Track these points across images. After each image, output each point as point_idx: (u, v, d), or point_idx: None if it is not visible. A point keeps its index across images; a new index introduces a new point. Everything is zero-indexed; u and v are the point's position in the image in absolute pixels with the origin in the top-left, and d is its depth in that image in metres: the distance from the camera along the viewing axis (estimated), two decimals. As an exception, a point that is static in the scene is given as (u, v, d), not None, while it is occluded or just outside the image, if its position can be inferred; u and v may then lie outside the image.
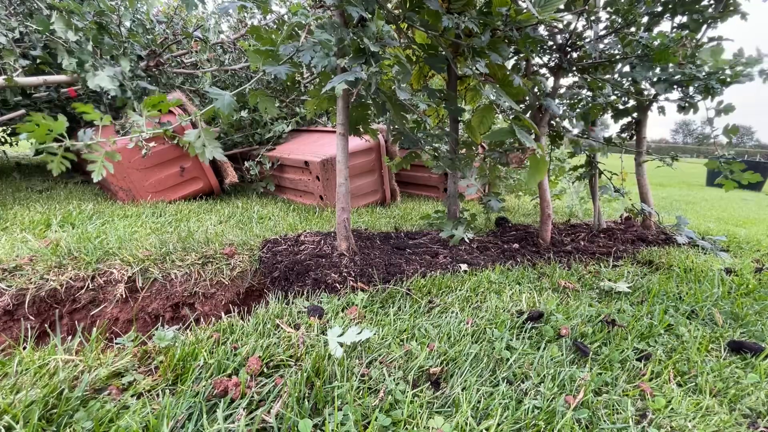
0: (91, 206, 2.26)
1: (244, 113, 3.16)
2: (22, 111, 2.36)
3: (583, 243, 2.39)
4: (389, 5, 1.84)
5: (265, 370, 0.87)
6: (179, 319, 1.62)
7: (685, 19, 2.15)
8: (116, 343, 0.94)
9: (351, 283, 1.40)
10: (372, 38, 1.28)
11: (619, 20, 2.02)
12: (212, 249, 1.72)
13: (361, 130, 1.82)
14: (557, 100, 2.19)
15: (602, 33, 2.05)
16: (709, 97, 2.24)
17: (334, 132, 2.61)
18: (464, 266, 1.60)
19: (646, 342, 1.15)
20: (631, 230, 2.73)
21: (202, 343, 0.95)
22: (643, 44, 1.93)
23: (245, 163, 3.11)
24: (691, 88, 2.30)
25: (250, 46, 2.72)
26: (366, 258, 1.60)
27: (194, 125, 2.72)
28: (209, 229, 2.01)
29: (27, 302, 1.35)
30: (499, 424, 0.77)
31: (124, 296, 1.49)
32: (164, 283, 1.55)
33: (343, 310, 1.20)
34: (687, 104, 2.38)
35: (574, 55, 2.05)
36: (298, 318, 1.11)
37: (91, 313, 1.45)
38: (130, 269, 1.51)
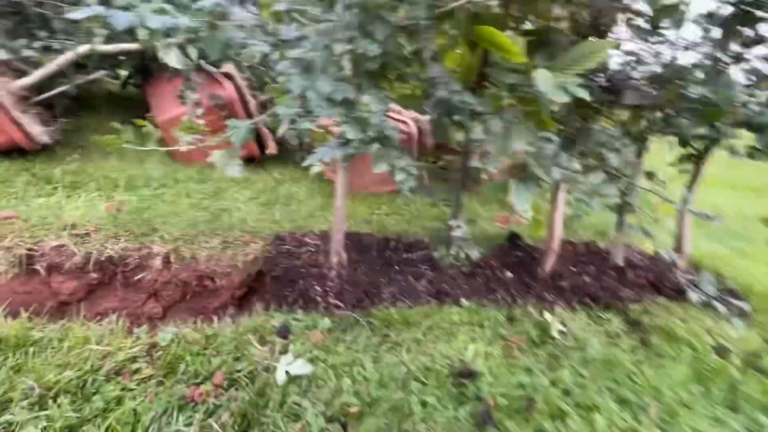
0: (150, 172, 2.65)
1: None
2: (105, 71, 2.73)
3: (586, 279, 2.38)
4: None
5: (226, 384, 1.18)
6: (202, 287, 2.02)
7: None
8: (135, 334, 1.30)
9: (329, 299, 1.65)
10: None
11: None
12: (233, 235, 2.05)
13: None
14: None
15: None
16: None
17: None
18: (435, 301, 1.77)
19: (557, 421, 1.29)
20: (652, 270, 2.62)
21: (190, 345, 1.27)
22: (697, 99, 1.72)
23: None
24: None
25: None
26: (352, 274, 1.82)
27: (242, 96, 2.95)
28: (238, 209, 2.33)
29: (92, 261, 1.79)
30: (376, 473, 1.02)
31: (160, 267, 1.89)
32: (191, 261, 1.93)
33: (309, 329, 1.47)
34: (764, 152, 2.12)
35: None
36: (268, 336, 1.40)
37: (137, 277, 1.87)
38: (166, 246, 1.89)
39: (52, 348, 1.19)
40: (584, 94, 1.29)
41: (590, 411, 1.35)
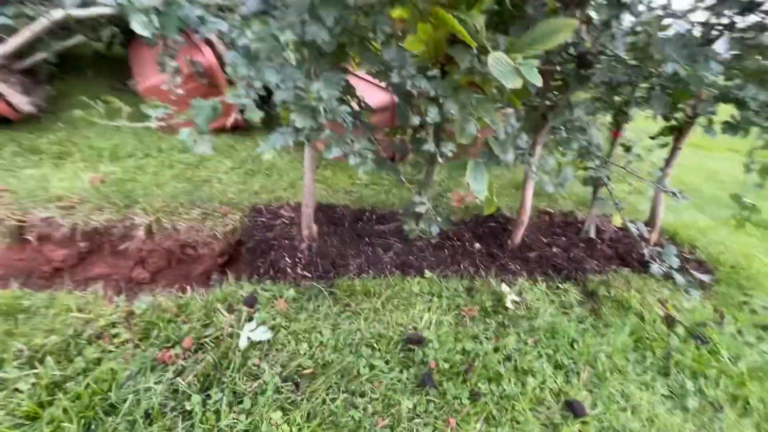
0: (134, 142, 2.70)
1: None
2: (81, 37, 2.70)
3: (554, 250, 2.47)
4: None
5: (194, 348, 1.33)
6: (185, 255, 2.15)
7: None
8: (115, 302, 1.44)
9: (298, 270, 1.78)
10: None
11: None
12: (212, 207, 2.15)
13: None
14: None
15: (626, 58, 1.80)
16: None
17: (364, 80, 2.65)
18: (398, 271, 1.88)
19: (492, 383, 1.44)
20: (622, 242, 2.70)
21: (164, 313, 1.42)
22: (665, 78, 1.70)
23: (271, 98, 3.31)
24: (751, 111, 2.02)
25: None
26: (322, 246, 1.93)
27: (222, 63, 2.91)
28: (220, 179, 2.41)
29: (78, 232, 1.92)
30: (320, 423, 1.19)
31: (144, 237, 2.01)
32: (173, 231, 2.04)
33: (275, 299, 1.60)
34: (739, 126, 2.11)
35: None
36: (236, 305, 1.53)
37: (123, 246, 2.00)
38: (148, 218, 2.00)
39: (40, 315, 1.34)
40: (537, 81, 1.29)
41: (525, 374, 1.50)
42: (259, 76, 1.13)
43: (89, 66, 4.10)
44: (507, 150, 1.56)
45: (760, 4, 1.88)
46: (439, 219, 1.88)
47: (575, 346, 1.69)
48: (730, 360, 1.82)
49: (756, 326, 2.11)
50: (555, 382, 1.50)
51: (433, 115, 1.38)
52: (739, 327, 2.08)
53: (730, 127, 2.14)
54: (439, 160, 1.52)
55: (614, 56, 1.81)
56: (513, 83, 1.28)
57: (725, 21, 2.00)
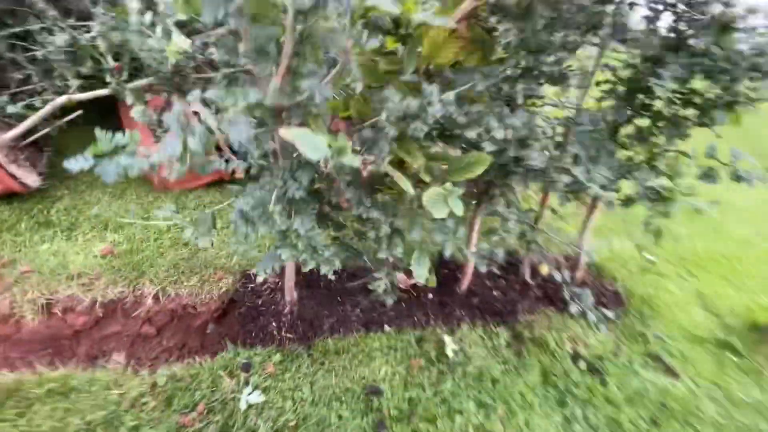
0: (135, 206, 3.04)
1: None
2: (81, 111, 3.02)
3: (495, 293, 3.01)
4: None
5: (206, 412, 1.78)
6: (186, 313, 2.57)
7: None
8: (140, 375, 1.87)
9: (283, 333, 2.24)
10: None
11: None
12: (208, 273, 2.56)
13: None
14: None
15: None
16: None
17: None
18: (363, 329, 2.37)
19: (430, 423, 1.96)
20: (552, 283, 3.26)
21: (180, 382, 1.86)
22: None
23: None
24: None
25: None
26: (302, 309, 2.39)
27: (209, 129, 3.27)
28: (213, 244, 2.81)
29: (97, 304, 2.31)
30: (302, 466, 1.68)
31: (152, 303, 2.42)
32: (175, 297, 2.45)
33: (265, 362, 2.06)
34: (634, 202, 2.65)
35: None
36: (235, 371, 1.98)
37: (134, 313, 2.41)
38: (154, 287, 2.40)
39: (86, 392, 1.75)
40: (459, 211, 1.78)
41: (455, 414, 2.03)
42: (255, 230, 1.57)
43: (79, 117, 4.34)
44: (446, 248, 2.05)
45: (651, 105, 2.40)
46: (396, 284, 2.38)
47: (496, 386, 2.23)
48: (616, 388, 2.41)
49: (643, 355, 2.72)
50: (477, 419, 2.04)
51: (384, 230, 1.85)
52: (631, 357, 2.68)
53: (627, 202, 2.69)
54: (390, 259, 2.00)
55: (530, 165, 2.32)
56: (442, 214, 1.77)
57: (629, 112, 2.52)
